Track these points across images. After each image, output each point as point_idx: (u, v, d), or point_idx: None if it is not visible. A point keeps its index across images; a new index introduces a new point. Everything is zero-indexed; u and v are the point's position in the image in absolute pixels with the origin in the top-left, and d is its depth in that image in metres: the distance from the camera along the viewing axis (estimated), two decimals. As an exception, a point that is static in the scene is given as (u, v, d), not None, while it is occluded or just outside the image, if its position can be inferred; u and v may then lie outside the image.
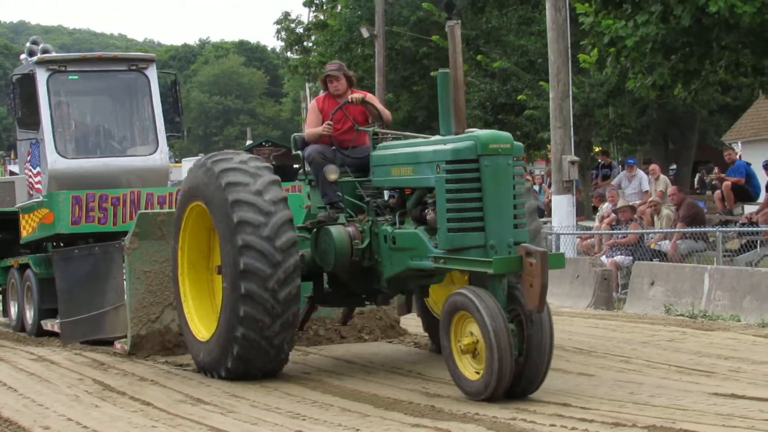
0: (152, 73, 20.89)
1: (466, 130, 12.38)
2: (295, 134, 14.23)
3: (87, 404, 13.10)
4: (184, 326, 14.06)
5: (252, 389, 13.31)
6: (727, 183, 29.01)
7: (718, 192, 29.92)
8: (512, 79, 38.16)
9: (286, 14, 49.49)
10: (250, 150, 59.87)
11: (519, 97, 36.34)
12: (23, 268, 20.65)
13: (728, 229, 25.44)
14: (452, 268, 12.16)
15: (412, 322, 16.60)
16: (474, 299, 10.98)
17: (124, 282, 15.52)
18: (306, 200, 14.42)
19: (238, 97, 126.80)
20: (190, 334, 13.87)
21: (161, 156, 20.89)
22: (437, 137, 12.59)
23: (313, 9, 50.19)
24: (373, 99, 14.27)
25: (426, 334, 16.03)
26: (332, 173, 13.32)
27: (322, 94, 14.28)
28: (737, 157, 33.24)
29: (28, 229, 20.35)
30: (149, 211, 17.24)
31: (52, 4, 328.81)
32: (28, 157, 21.03)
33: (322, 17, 48.02)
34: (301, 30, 50.88)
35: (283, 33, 51.70)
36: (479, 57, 38.35)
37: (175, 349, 15.43)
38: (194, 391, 13.52)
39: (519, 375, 11.10)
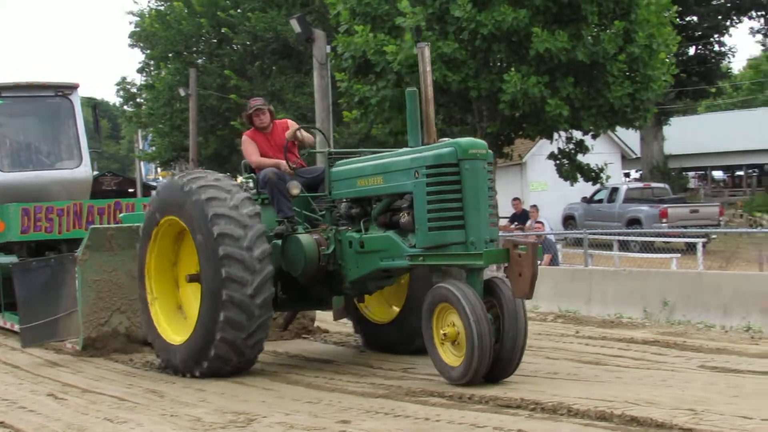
0: (75, 98, 19.13)
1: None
2: (244, 161, 12.58)
3: (-35, 368, 13.25)
4: (151, 330, 12.08)
5: (96, 356, 13.22)
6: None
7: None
8: (290, 127, 38.07)
9: (124, 78, 48.72)
10: (96, 179, 58.80)
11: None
12: None
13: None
14: (432, 264, 10.63)
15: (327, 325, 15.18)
16: (456, 292, 9.64)
17: (77, 290, 13.59)
18: None
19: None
20: (159, 338, 11.91)
21: (85, 169, 19.01)
22: (406, 149, 11.05)
23: (144, 74, 49.28)
24: (294, 125, 12.69)
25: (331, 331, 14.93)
26: (295, 188, 11.64)
27: (249, 129, 12.64)
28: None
29: None
30: (100, 226, 15.24)
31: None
32: None
33: (150, 81, 47.11)
34: (135, 90, 49.78)
35: (121, 91, 50.54)
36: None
37: (124, 348, 13.46)
38: (51, 357, 13.78)
39: (495, 360, 9.75)
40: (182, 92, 40.86)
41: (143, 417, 8.97)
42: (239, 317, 10.70)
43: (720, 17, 46.34)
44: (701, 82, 46.55)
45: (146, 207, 12.60)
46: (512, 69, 25.03)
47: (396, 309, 12.65)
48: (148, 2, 48.98)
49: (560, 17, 25.31)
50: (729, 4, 46.99)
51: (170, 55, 44.17)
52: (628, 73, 26.38)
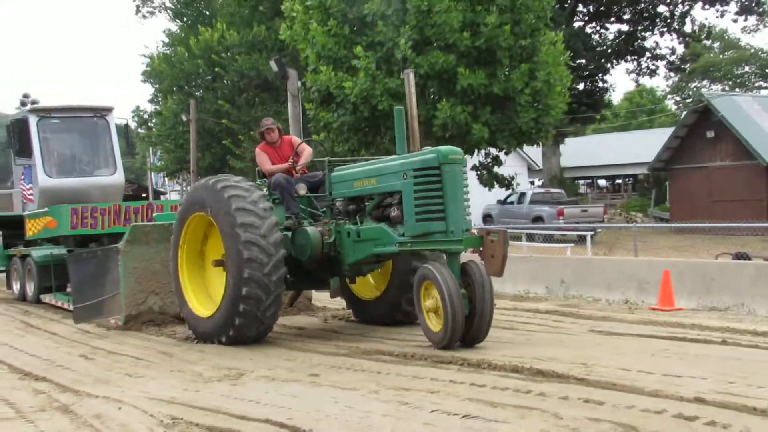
0: (111, 118, 18.92)
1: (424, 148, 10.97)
2: (258, 169, 12.17)
3: (16, 335, 13.04)
4: (184, 306, 11.63)
5: (118, 328, 12.91)
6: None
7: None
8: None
9: (138, 107, 48.16)
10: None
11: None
12: (24, 256, 18.11)
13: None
14: (418, 249, 10.30)
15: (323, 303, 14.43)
16: (435, 272, 9.39)
17: (119, 276, 13.20)
18: None
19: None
20: (190, 312, 11.45)
21: (119, 176, 18.74)
22: (395, 156, 10.62)
23: (154, 104, 48.82)
24: (295, 140, 12.48)
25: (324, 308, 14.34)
26: (302, 189, 11.43)
27: (262, 143, 12.26)
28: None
29: (33, 230, 18.15)
30: (139, 223, 14.93)
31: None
32: (22, 177, 18.79)
33: (159, 109, 46.71)
34: (147, 116, 49.22)
35: (135, 117, 49.95)
36: (251, 133, 37.95)
37: (157, 320, 13.00)
38: (83, 326, 13.34)
39: (468, 328, 9.49)
40: (184, 118, 40.58)
41: (156, 372, 9.00)
42: (257, 292, 10.36)
43: (603, 60, 46.99)
44: (589, 111, 46.96)
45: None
46: (443, 100, 25.16)
47: (379, 290, 12.33)
48: (157, 47, 48.57)
49: (480, 60, 25.47)
50: (610, 51, 47.67)
51: (174, 88, 43.81)
52: (532, 103, 26.61)
